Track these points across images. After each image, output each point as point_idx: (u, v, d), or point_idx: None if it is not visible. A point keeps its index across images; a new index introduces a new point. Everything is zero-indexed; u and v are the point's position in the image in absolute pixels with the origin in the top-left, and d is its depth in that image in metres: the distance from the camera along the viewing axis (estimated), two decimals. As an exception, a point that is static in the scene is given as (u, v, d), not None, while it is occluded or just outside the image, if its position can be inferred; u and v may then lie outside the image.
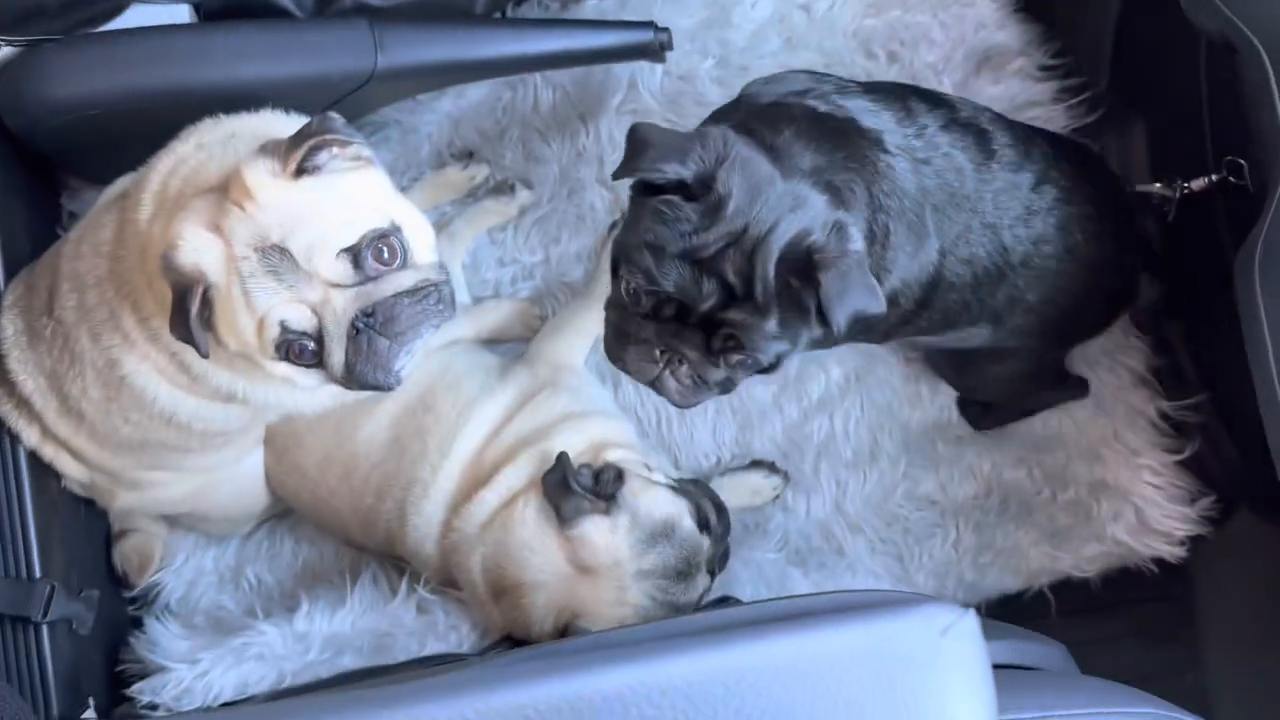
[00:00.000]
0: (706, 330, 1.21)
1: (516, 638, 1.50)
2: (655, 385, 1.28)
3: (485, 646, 1.53)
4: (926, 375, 1.77)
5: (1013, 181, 1.40)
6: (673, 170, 1.18)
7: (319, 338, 1.25)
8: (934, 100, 1.40)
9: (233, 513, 1.69)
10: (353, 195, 1.27)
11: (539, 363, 1.64)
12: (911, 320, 1.41)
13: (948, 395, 1.78)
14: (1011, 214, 1.39)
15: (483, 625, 1.54)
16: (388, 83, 1.52)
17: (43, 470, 1.53)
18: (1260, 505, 1.70)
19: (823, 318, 1.18)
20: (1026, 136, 1.47)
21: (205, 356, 1.27)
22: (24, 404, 1.49)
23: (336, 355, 1.26)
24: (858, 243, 1.19)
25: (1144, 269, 1.64)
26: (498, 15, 1.73)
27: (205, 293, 1.23)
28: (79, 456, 1.52)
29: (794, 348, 1.23)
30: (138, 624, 1.68)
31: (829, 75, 1.39)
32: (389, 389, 1.30)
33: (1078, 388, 1.71)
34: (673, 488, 1.48)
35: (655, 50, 1.63)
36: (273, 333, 1.24)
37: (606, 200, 1.76)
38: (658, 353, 1.25)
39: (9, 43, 1.45)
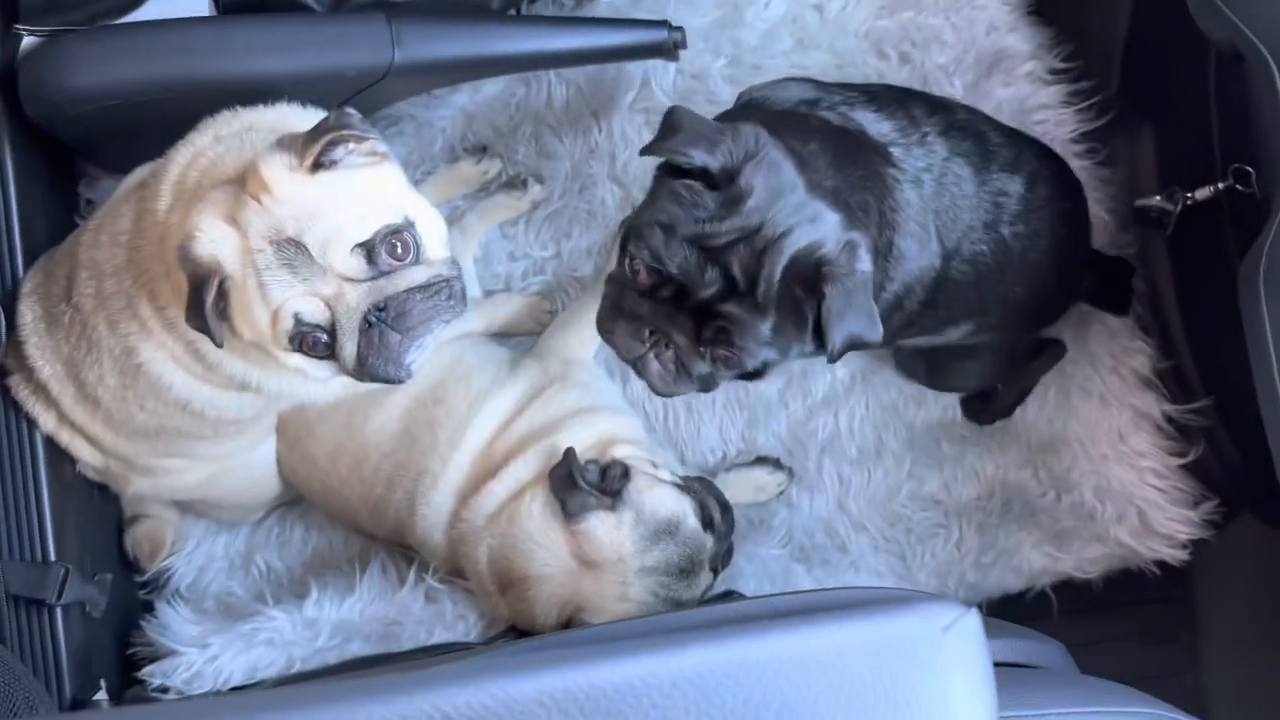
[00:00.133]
0: (700, 320, 1.21)
1: (521, 629, 1.52)
2: (638, 365, 1.27)
3: (491, 636, 1.55)
4: (931, 375, 1.79)
5: (1010, 181, 1.41)
6: (699, 157, 1.18)
7: (332, 330, 1.27)
8: (933, 105, 1.41)
9: (244, 500, 1.71)
10: (368, 190, 1.28)
11: (549, 357, 1.66)
12: (917, 321, 1.43)
13: (952, 395, 1.79)
14: (1010, 212, 1.41)
15: (489, 615, 1.56)
16: (404, 78, 1.53)
17: (58, 455, 1.55)
18: (1261, 509, 1.71)
19: (818, 334, 1.19)
20: (1015, 137, 1.50)
21: (220, 346, 1.29)
22: (41, 389, 1.51)
23: (348, 348, 1.28)
24: (866, 265, 1.19)
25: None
26: (513, 12, 1.74)
27: (221, 284, 1.25)
28: (94, 442, 1.54)
29: (781, 358, 1.23)
30: (149, 608, 1.70)
31: (831, 85, 1.39)
32: (399, 382, 1.32)
33: (1055, 351, 1.72)
34: (678, 485, 1.50)
35: (669, 49, 1.63)
36: (286, 325, 1.26)
37: (618, 196, 1.77)
38: (647, 332, 1.25)
39: (31, 32, 1.46)
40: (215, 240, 1.25)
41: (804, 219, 1.18)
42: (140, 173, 1.48)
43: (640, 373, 1.28)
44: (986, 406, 1.76)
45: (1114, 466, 1.71)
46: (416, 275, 1.29)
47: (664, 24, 1.63)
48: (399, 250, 1.28)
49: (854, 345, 1.20)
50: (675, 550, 1.44)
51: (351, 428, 1.59)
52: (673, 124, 1.22)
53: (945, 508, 1.77)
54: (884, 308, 1.35)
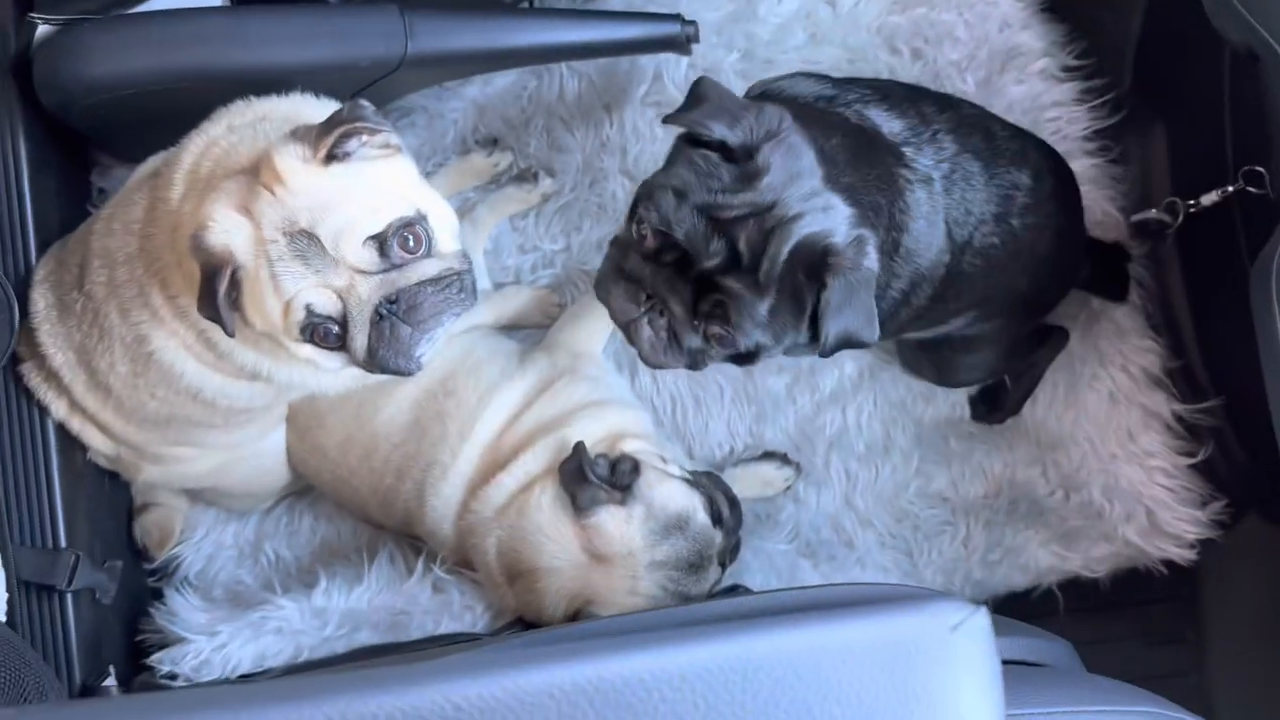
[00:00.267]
0: (699, 291, 1.21)
1: (528, 620, 1.53)
2: (630, 330, 1.27)
3: (499, 627, 1.56)
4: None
5: (1018, 174, 1.42)
6: (719, 130, 1.18)
7: (343, 322, 1.28)
8: (942, 102, 1.41)
9: (254, 489, 1.72)
10: (380, 183, 1.29)
11: (558, 350, 1.66)
12: (924, 315, 1.43)
13: (960, 392, 1.79)
14: (1019, 204, 1.41)
15: (496, 606, 1.57)
16: (417, 69, 1.54)
17: (70, 442, 1.56)
18: (1269, 509, 1.71)
19: (814, 325, 1.19)
20: (1018, 131, 1.51)
21: (231, 335, 1.30)
22: (53, 376, 1.52)
23: (359, 340, 1.28)
24: (873, 263, 1.19)
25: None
26: (526, 5, 1.74)
27: (234, 274, 1.26)
28: (105, 430, 1.55)
29: (774, 344, 1.23)
30: (158, 595, 1.71)
31: (843, 80, 1.39)
32: (409, 374, 1.32)
33: (1059, 338, 1.72)
34: (687, 480, 1.50)
35: (681, 43, 1.63)
36: (298, 316, 1.26)
37: (629, 190, 1.77)
38: (644, 296, 1.24)
39: (46, 21, 1.47)
40: (228, 230, 1.25)
41: (817, 207, 1.18)
42: (153, 162, 1.48)
43: (631, 338, 1.27)
44: (994, 408, 1.77)
45: (1123, 465, 1.71)
46: (428, 268, 1.29)
47: (676, 18, 1.63)
48: (411, 243, 1.28)
49: (847, 342, 1.20)
50: (685, 545, 1.45)
51: (361, 419, 1.59)
52: (699, 94, 1.22)
53: (952, 505, 1.77)
54: (890, 305, 1.35)
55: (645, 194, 1.21)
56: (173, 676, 1.57)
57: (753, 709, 0.66)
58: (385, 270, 1.27)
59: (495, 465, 1.54)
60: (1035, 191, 1.43)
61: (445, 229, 1.33)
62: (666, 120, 1.22)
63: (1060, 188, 1.50)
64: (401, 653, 1.50)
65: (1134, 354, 1.74)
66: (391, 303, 1.27)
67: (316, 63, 1.48)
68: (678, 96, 1.77)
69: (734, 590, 1.60)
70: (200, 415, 1.50)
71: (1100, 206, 1.73)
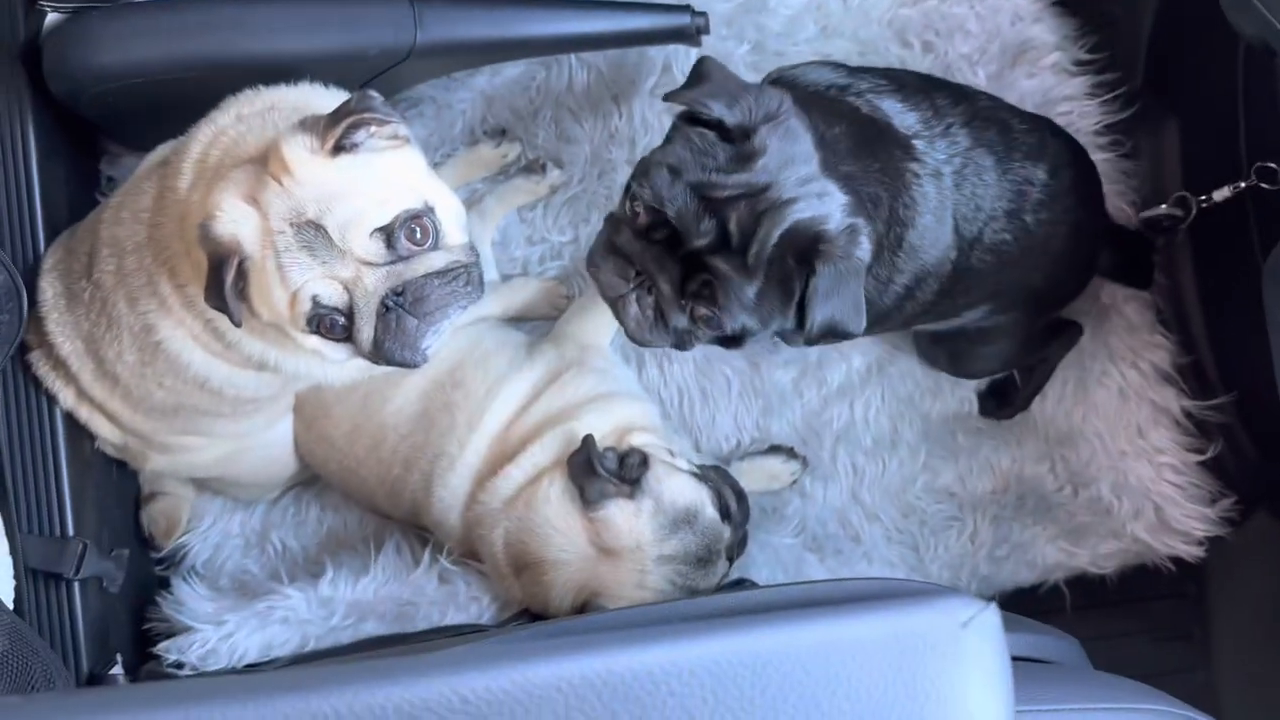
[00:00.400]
0: (688, 270, 1.21)
1: (535, 613, 1.53)
2: (617, 306, 1.26)
3: (505, 619, 1.56)
4: (948, 366, 1.78)
5: (1034, 169, 1.41)
6: (718, 109, 1.18)
7: (349, 314, 1.27)
8: (957, 94, 1.40)
9: (261, 479, 1.72)
10: (388, 174, 1.28)
11: (566, 342, 1.66)
12: (933, 309, 1.42)
13: (969, 387, 1.79)
14: (1033, 200, 1.40)
15: (503, 598, 1.57)
16: (426, 59, 1.54)
17: (78, 431, 1.56)
18: (1277, 507, 1.70)
19: (801, 311, 1.18)
20: (1036, 123, 1.49)
21: (238, 325, 1.30)
22: (61, 365, 1.52)
23: (365, 332, 1.28)
24: (865, 253, 1.19)
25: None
26: (535, -6, 1.73)
27: (241, 264, 1.25)
28: (113, 419, 1.55)
29: (760, 328, 1.22)
30: (165, 584, 1.72)
31: (859, 70, 1.38)
32: (415, 366, 1.32)
33: (1072, 332, 1.71)
34: (695, 474, 1.50)
35: (691, 34, 1.63)
36: (304, 307, 1.26)
37: (637, 182, 1.77)
38: (633, 272, 1.24)
39: (55, 9, 1.47)
40: (236, 220, 1.25)
41: (812, 193, 1.17)
42: (162, 150, 1.48)
43: (618, 314, 1.27)
44: (1003, 403, 1.76)
45: (1132, 462, 1.71)
46: (435, 261, 1.29)
47: (687, 9, 1.63)
48: (418, 235, 1.28)
49: (833, 330, 1.19)
50: (693, 539, 1.45)
51: (369, 409, 1.60)
52: (700, 74, 1.22)
53: (960, 500, 1.77)
54: (893, 299, 1.35)
55: (641, 170, 1.21)
56: (179, 665, 1.58)
57: (761, 704, 0.66)
58: (392, 262, 1.27)
59: (503, 457, 1.54)
60: (1051, 187, 1.42)
61: (452, 221, 1.32)
62: (666, 97, 1.22)
63: (1079, 181, 1.49)
64: (408, 643, 1.50)
65: (1144, 350, 1.74)
66: (398, 295, 1.27)
67: (325, 52, 1.48)
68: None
69: (740, 584, 1.60)
70: (207, 404, 1.50)
71: (1111, 202, 1.72)
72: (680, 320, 1.24)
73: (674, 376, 1.76)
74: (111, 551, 1.60)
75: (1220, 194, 1.57)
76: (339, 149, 1.25)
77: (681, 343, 1.28)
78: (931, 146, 1.31)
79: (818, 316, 1.17)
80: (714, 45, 1.74)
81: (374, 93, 1.30)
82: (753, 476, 1.73)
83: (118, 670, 1.56)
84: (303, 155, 1.24)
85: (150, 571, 1.75)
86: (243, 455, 1.64)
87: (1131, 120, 1.76)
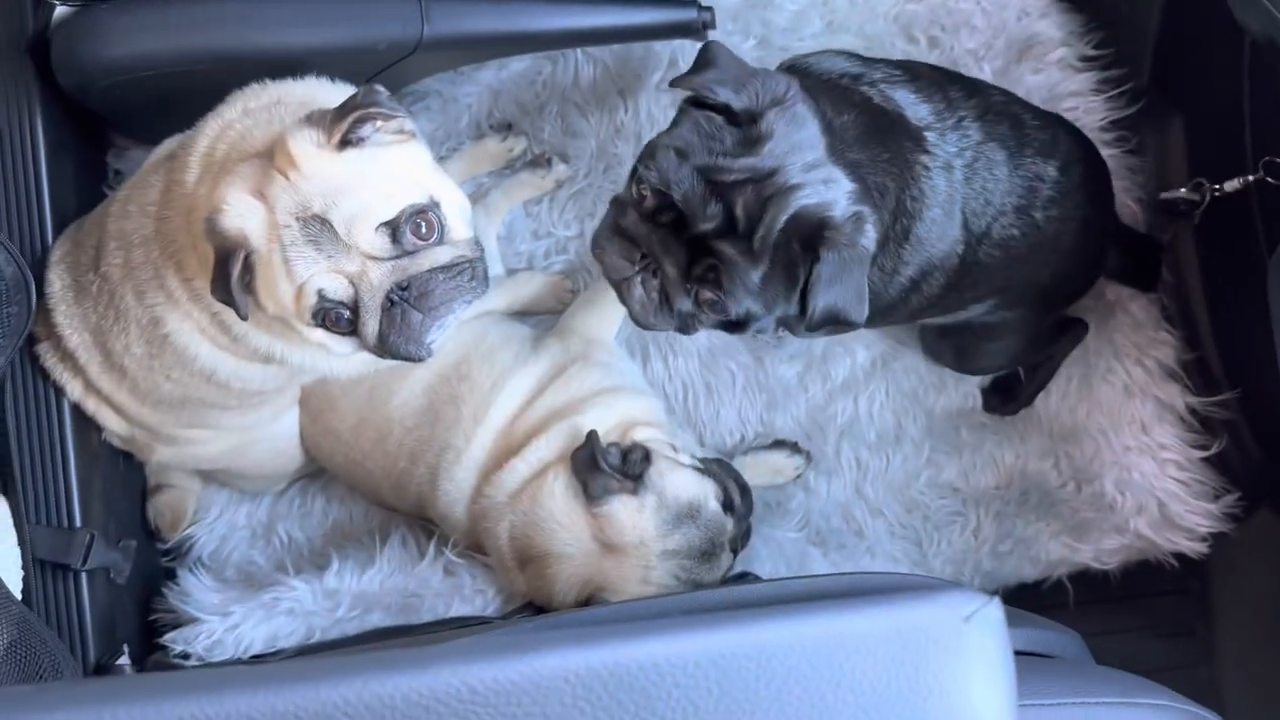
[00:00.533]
0: (693, 254, 1.20)
1: (539, 606, 1.54)
2: (623, 288, 1.26)
3: (509, 611, 1.57)
4: (952, 362, 1.78)
5: (1045, 165, 1.41)
6: (725, 94, 1.18)
7: (354, 307, 1.28)
8: (970, 88, 1.40)
9: (267, 471, 1.72)
10: (394, 169, 1.29)
11: (571, 336, 1.66)
12: (939, 303, 1.42)
13: (972, 383, 1.79)
14: (1043, 197, 1.40)
15: (507, 590, 1.57)
16: (432, 53, 1.54)
17: (85, 423, 1.57)
18: (1281, 504, 1.71)
19: (804, 298, 1.18)
20: (1049, 119, 1.49)
21: (244, 319, 1.30)
22: (69, 357, 1.52)
23: (370, 326, 1.29)
24: (870, 242, 1.18)
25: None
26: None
27: (247, 258, 1.26)
28: (120, 411, 1.56)
29: (765, 314, 1.22)
30: (171, 575, 1.73)
31: (874, 60, 1.38)
32: (419, 360, 1.33)
33: (1078, 330, 1.71)
34: (698, 469, 1.50)
35: (697, 29, 1.63)
36: (310, 300, 1.27)
37: (642, 177, 1.77)
38: (639, 255, 1.24)
39: (64, 2, 1.47)
40: (242, 214, 1.25)
41: (818, 179, 1.17)
42: (169, 144, 1.49)
43: (623, 297, 1.27)
44: (1007, 399, 1.76)
45: (1136, 458, 1.71)
46: (440, 255, 1.29)
47: (693, 3, 1.63)
48: (423, 230, 1.28)
49: (834, 318, 1.18)
50: (697, 534, 1.45)
51: (375, 402, 1.60)
52: (707, 59, 1.22)
53: (963, 495, 1.77)
54: (898, 291, 1.35)
55: (647, 153, 1.21)
56: (185, 656, 1.59)
57: (765, 696, 0.66)
58: (397, 257, 1.27)
59: (508, 450, 1.54)
60: (1062, 184, 1.42)
61: (458, 216, 1.33)
62: (673, 83, 1.22)
63: (1089, 178, 1.49)
64: (413, 635, 1.51)
65: (1149, 346, 1.74)
66: (403, 289, 1.28)
67: (333, 46, 1.49)
68: (690, 85, 1.76)
69: (743, 578, 1.61)
70: (214, 397, 1.51)
71: (1117, 197, 1.72)
72: (685, 304, 1.24)
73: (678, 371, 1.76)
74: (119, 542, 1.61)
75: (1231, 185, 1.57)
76: (345, 143, 1.26)
77: (686, 326, 1.27)
78: (943, 139, 1.31)
79: (820, 303, 1.16)
80: (720, 40, 1.74)
81: (380, 87, 1.30)
82: (757, 471, 1.73)
83: (124, 661, 1.57)
84: (309, 150, 1.25)
85: (157, 563, 1.76)
86: (249, 448, 1.65)
87: (1137, 116, 1.76)
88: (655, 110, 1.77)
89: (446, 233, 1.31)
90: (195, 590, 1.64)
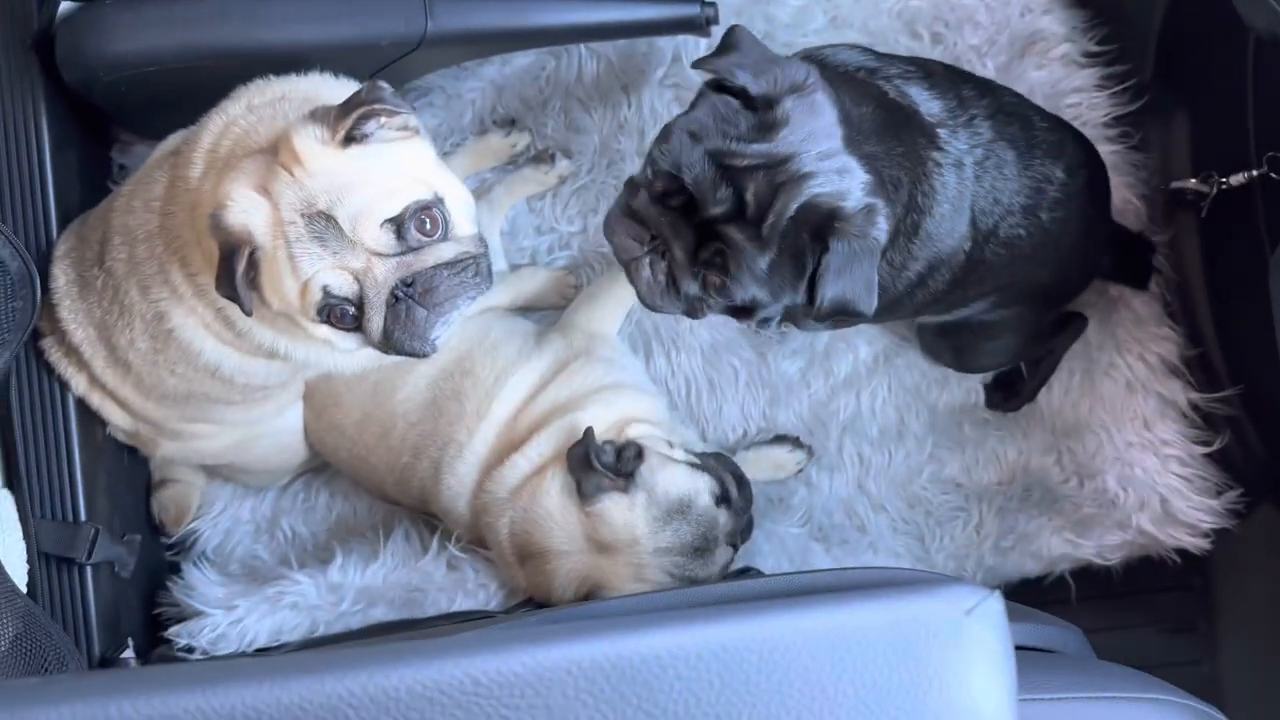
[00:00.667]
0: (702, 238, 1.20)
1: (539, 601, 1.54)
2: (630, 269, 1.26)
3: (512, 606, 1.57)
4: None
5: (1053, 167, 1.41)
6: (744, 79, 1.17)
7: (359, 304, 1.28)
8: (983, 88, 1.40)
9: (271, 466, 1.73)
10: (398, 165, 1.29)
11: (574, 331, 1.66)
12: (943, 299, 1.43)
13: (975, 379, 1.79)
14: (1050, 198, 1.40)
15: (510, 585, 1.58)
16: (436, 49, 1.54)
17: (90, 417, 1.58)
18: (1284, 500, 1.71)
19: (812, 288, 1.17)
20: (1058, 122, 1.50)
21: (249, 314, 1.31)
22: (73, 352, 1.53)
23: (375, 322, 1.29)
24: (881, 234, 1.18)
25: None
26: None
27: (252, 254, 1.26)
28: (124, 406, 1.56)
29: (771, 302, 1.21)
30: (175, 569, 1.73)
31: (888, 55, 1.38)
32: (424, 356, 1.33)
33: (1078, 325, 1.71)
34: (691, 464, 1.50)
35: (701, 24, 1.63)
36: (315, 297, 1.27)
37: (646, 173, 1.77)
38: (648, 236, 1.23)
39: (68, -2, 1.48)
40: (247, 210, 1.26)
41: (832, 169, 1.16)
42: (174, 139, 1.49)
43: (631, 277, 1.27)
44: (1009, 395, 1.76)
45: (1138, 454, 1.71)
46: (444, 251, 1.30)
47: (697, -1, 1.63)
48: (428, 226, 1.29)
49: (843, 309, 1.18)
50: (689, 530, 1.45)
51: (379, 397, 1.60)
52: (730, 42, 1.21)
53: (966, 491, 1.77)
54: (905, 286, 1.35)
55: (662, 135, 1.21)
56: (190, 650, 1.59)
57: (767, 688, 0.67)
58: (402, 253, 1.27)
59: (510, 446, 1.54)
60: (1068, 186, 1.42)
61: (462, 212, 1.33)
62: (695, 64, 1.21)
63: (1092, 181, 1.49)
64: (416, 629, 1.51)
65: (1151, 342, 1.74)
66: (408, 285, 1.28)
67: (337, 41, 1.49)
68: (696, 78, 1.76)
69: (745, 572, 1.61)
70: (218, 392, 1.51)
71: (1120, 194, 1.72)
72: (692, 287, 1.24)
73: (681, 367, 1.76)
74: (123, 537, 1.62)
75: (1237, 179, 1.57)
76: (349, 140, 1.26)
77: (693, 310, 1.27)
78: (954, 136, 1.31)
79: (829, 293, 1.16)
80: (722, 35, 1.74)
81: (384, 84, 1.30)
82: (758, 466, 1.74)
83: (129, 654, 1.58)
84: (314, 146, 1.25)
85: (161, 557, 1.76)
86: (253, 442, 1.65)
87: (1141, 112, 1.76)
88: (658, 105, 1.77)
89: (451, 229, 1.31)
90: (199, 584, 1.65)
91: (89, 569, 1.54)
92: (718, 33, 1.67)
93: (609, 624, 0.66)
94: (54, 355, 1.55)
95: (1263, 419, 1.71)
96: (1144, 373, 1.73)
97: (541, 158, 1.77)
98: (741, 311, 1.26)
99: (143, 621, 1.68)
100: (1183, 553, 1.73)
